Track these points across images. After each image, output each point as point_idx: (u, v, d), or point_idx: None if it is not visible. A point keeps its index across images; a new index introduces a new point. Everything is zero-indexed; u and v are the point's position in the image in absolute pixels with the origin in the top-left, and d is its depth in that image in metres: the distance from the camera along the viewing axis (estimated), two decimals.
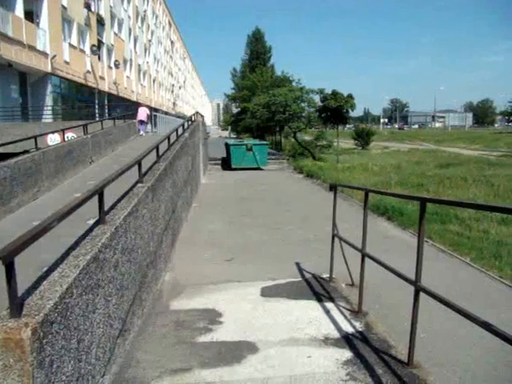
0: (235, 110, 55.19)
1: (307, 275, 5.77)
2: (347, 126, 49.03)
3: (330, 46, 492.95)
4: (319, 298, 4.90)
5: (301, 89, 26.78)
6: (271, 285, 5.42)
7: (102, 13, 34.78)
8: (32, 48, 23.12)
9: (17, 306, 2.14)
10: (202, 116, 21.59)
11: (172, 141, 8.73)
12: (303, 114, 26.30)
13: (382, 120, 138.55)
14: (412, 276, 3.30)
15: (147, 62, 51.68)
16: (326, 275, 5.66)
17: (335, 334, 3.98)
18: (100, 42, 34.59)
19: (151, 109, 36.19)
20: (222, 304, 4.81)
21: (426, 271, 3.31)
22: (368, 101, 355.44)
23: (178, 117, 51.05)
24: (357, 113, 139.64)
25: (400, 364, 3.40)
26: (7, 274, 2.07)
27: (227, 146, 21.25)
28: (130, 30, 43.84)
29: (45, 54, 24.68)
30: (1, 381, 2.03)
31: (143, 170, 5.37)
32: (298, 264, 6.26)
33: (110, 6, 37.22)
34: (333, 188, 5.70)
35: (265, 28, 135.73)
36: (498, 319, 3.49)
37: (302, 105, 25.97)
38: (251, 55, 53.29)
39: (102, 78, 34.24)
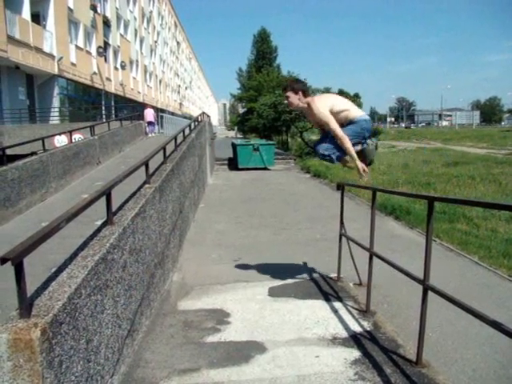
0: (241, 110, 55.17)
1: (315, 275, 5.76)
2: None
3: (337, 46, 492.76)
4: (327, 298, 4.89)
5: None
6: (279, 285, 5.41)
7: (108, 14, 34.97)
8: (39, 50, 23.29)
9: (26, 307, 2.15)
10: (209, 116, 21.61)
11: (179, 141, 8.75)
12: None
13: (388, 119, 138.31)
14: (420, 275, 3.29)
15: (153, 63, 51.85)
16: (333, 275, 5.64)
17: (343, 334, 3.97)
18: (106, 44, 34.76)
19: (157, 110, 36.26)
20: (229, 304, 4.81)
21: (434, 270, 3.30)
22: (375, 100, 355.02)
23: (185, 117, 51.13)
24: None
25: (408, 363, 3.38)
26: (16, 274, 2.08)
27: (234, 146, 21.24)
28: (136, 31, 44.01)
29: (51, 56, 24.84)
30: (11, 381, 2.04)
31: (150, 170, 5.38)
32: (305, 264, 6.25)
33: (116, 8, 37.39)
34: (340, 187, 5.69)
35: (271, 28, 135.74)
36: (507, 318, 3.47)
37: None
38: (257, 55, 53.33)
39: (108, 79, 34.41)
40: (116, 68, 37.11)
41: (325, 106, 4.50)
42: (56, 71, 25.34)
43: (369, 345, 3.73)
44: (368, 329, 4.07)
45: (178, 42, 73.01)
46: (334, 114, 4.50)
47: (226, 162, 22.24)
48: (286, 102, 4.68)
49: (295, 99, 4.58)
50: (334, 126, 4.41)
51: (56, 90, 25.81)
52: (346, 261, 5.38)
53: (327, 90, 24.56)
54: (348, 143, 4.40)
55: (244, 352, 3.67)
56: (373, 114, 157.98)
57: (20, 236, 2.56)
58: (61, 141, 16.51)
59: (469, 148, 35.10)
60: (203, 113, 18.26)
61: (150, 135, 23.29)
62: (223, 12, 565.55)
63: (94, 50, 31.42)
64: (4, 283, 3.29)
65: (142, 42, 46.57)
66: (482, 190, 11.91)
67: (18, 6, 21.94)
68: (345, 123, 4.57)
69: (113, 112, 33.37)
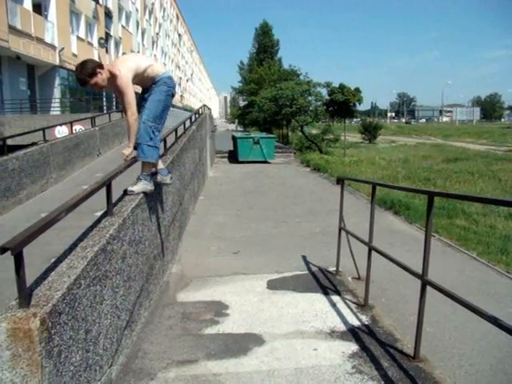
0: (242, 104, 54.94)
1: (313, 268, 5.77)
2: (354, 119, 48.82)
3: (338, 40, 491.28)
4: (325, 291, 4.90)
5: (308, 82, 26.65)
6: (277, 277, 5.42)
7: (109, 6, 34.79)
8: (40, 40, 23.19)
9: (25, 297, 2.16)
10: (209, 109, 21.54)
11: (179, 134, 8.73)
12: (310, 108, 26.20)
13: (389, 114, 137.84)
14: (419, 270, 3.29)
15: (155, 55, 51.63)
16: (332, 268, 5.65)
17: (341, 327, 3.98)
18: (108, 35, 34.60)
19: None
20: (228, 296, 4.82)
21: (432, 265, 3.30)
22: (375, 95, 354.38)
23: (186, 110, 50.97)
24: (364, 107, 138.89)
25: (406, 357, 3.39)
26: (16, 264, 2.09)
27: (234, 139, 21.21)
28: (137, 22, 43.79)
29: (53, 47, 24.76)
30: (10, 370, 2.05)
31: None
32: (304, 257, 6.26)
33: None
34: (340, 181, 5.69)
35: (272, 22, 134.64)
36: (505, 313, 3.48)
37: (309, 98, 25.87)
38: (259, 48, 52.91)
39: None
40: None
41: (130, 69, 3.97)
42: (57, 62, 25.26)
43: (367, 339, 3.74)
44: (366, 323, 4.09)
45: (179, 34, 72.73)
46: (141, 74, 4.10)
47: (227, 154, 22.22)
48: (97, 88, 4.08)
49: (100, 79, 3.95)
50: (131, 100, 4.04)
51: (57, 81, 25.74)
52: (344, 255, 5.38)
53: (328, 85, 24.45)
54: (135, 128, 4.12)
55: (242, 344, 3.69)
56: (373, 109, 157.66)
57: (20, 226, 2.57)
58: (61, 132, 16.47)
59: (469, 144, 35.15)
60: (204, 105, 18.21)
61: None
62: (225, 5, 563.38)
63: (95, 41, 31.29)
64: (3, 273, 3.30)
65: (143, 33, 46.38)
66: (482, 186, 11.92)
67: None
68: (149, 83, 4.26)
69: (114, 103, 33.26)
